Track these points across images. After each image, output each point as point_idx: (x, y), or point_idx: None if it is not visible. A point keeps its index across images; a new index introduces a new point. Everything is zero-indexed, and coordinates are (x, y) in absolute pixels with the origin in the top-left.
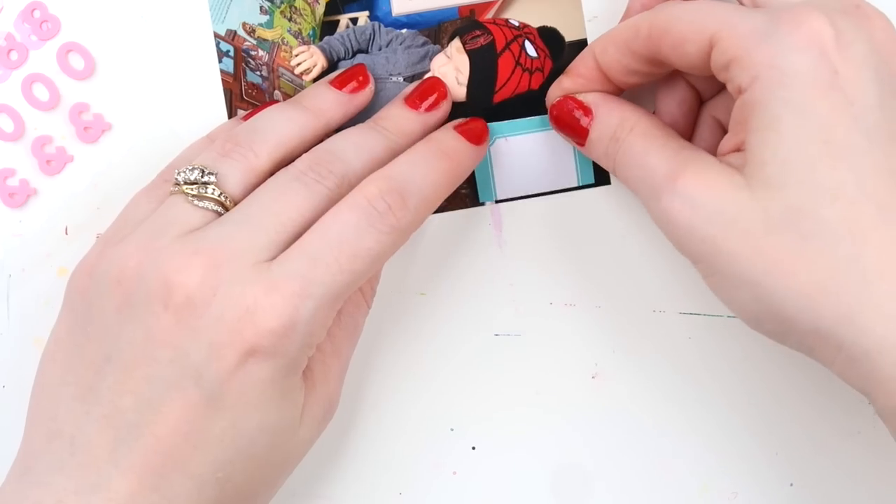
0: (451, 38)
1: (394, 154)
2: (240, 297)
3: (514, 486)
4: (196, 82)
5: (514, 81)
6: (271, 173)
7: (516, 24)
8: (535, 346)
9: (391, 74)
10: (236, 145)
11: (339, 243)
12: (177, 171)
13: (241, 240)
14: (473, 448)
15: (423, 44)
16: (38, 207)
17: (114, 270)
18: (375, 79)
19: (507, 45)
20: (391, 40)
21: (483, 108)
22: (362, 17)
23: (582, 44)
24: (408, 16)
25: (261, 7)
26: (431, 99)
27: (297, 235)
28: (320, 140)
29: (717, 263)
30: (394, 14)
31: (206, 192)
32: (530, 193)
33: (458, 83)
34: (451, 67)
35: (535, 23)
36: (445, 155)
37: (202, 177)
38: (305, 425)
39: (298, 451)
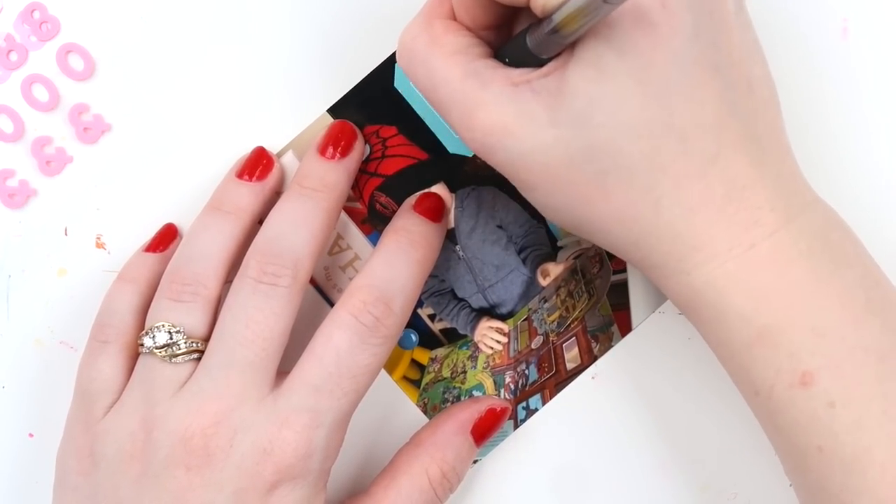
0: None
1: (329, 214)
2: (255, 441)
3: (514, 486)
4: (197, 83)
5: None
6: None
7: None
8: None
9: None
10: (183, 285)
11: (336, 368)
12: (142, 339)
13: (236, 382)
14: None
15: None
16: (37, 208)
17: (123, 445)
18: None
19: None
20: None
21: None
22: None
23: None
24: None
25: None
26: (343, 143)
27: (282, 344)
28: (254, 233)
29: (525, 191)
30: None
31: (179, 349)
32: None
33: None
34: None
35: None
36: (416, 244)
37: (171, 338)
38: None
39: None
